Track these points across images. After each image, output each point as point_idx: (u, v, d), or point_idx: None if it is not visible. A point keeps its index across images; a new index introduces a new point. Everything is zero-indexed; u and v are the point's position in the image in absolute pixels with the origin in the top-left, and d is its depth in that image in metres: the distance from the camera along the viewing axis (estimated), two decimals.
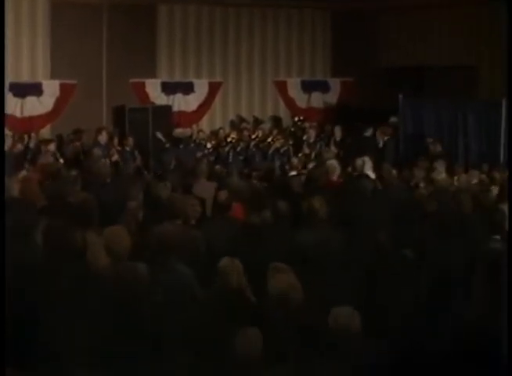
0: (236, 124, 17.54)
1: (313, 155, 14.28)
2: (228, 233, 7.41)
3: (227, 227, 7.64)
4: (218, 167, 13.09)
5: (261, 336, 4.83)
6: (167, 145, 15.17)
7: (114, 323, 4.94)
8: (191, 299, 5.81)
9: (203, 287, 6.04)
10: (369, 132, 15.37)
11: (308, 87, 18.62)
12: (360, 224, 7.67)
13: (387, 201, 9.21)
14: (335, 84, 18.94)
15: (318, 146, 15.48)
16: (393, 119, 16.04)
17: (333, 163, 11.64)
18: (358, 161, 12.13)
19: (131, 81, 16.75)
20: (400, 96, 15.66)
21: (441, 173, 10.19)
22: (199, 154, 14.78)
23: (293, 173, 11.30)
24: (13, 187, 8.64)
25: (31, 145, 14.53)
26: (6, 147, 13.03)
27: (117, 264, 5.77)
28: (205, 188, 9.68)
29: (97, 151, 13.32)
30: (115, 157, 13.79)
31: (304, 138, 16.24)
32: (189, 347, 4.82)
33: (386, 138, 15.18)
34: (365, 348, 4.92)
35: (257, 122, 17.63)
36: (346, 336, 4.90)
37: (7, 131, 14.23)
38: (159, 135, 15.55)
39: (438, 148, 14.00)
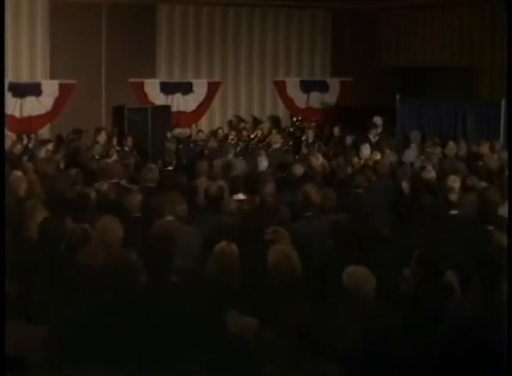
0: (234, 125, 17.53)
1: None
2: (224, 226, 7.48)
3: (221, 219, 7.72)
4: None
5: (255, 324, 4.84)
6: (169, 145, 15.15)
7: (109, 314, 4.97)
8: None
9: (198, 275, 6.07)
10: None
11: (307, 87, 18.60)
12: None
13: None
14: (334, 84, 18.92)
15: (316, 146, 15.45)
16: (376, 119, 16.01)
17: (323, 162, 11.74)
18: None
19: (130, 81, 16.75)
20: (397, 96, 15.64)
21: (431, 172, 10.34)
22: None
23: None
24: (20, 186, 8.76)
25: (30, 145, 14.51)
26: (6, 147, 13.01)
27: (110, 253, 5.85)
28: None
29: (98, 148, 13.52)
30: (114, 157, 13.76)
31: (303, 138, 16.23)
32: (185, 337, 4.81)
33: (376, 138, 15.07)
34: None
35: (257, 122, 17.61)
36: (359, 295, 4.96)
37: (7, 132, 14.22)
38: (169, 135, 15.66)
39: (437, 141, 13.97)
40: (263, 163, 11.69)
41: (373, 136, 15.02)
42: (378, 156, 12.01)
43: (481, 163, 11.39)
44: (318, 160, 11.62)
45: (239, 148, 15.59)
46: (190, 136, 16.28)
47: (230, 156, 12.49)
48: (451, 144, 12.89)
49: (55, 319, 4.98)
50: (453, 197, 9.25)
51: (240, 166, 11.46)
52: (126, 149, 14.57)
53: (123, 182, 9.92)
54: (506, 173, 9.71)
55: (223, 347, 4.45)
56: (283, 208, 8.00)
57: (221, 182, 9.37)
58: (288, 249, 5.79)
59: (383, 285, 5.41)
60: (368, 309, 5.14)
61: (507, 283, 4.83)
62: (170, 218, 7.46)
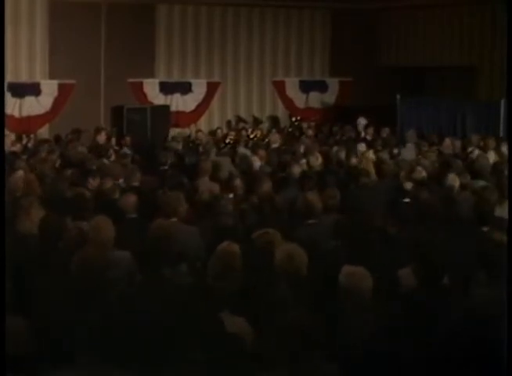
0: (233, 125, 17.52)
1: None
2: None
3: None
4: None
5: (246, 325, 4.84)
6: (173, 144, 15.12)
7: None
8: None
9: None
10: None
11: (306, 87, 18.61)
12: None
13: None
14: (333, 84, 18.92)
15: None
16: (361, 120, 16.00)
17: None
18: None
19: (130, 80, 16.74)
20: (398, 96, 15.63)
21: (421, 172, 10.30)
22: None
23: None
24: (18, 186, 8.79)
25: (30, 145, 14.49)
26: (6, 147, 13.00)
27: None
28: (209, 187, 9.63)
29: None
30: (113, 158, 13.72)
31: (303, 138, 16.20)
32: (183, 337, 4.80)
33: (370, 138, 15.05)
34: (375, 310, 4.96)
35: (257, 122, 17.60)
36: (357, 295, 4.95)
37: (6, 132, 14.21)
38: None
39: (434, 139, 13.98)
40: (256, 162, 11.68)
41: (370, 136, 15.04)
42: (371, 154, 12.00)
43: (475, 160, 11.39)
44: (317, 160, 11.61)
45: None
46: (189, 136, 16.27)
47: (212, 156, 12.48)
48: (447, 141, 12.90)
49: (52, 317, 4.96)
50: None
51: (228, 166, 11.44)
52: (125, 149, 14.53)
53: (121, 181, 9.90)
54: (506, 172, 9.68)
55: (221, 347, 4.44)
56: (282, 208, 7.97)
57: (237, 181, 9.33)
58: (293, 248, 5.75)
59: (382, 285, 5.39)
60: (367, 308, 5.11)
61: (507, 283, 4.80)
62: (173, 219, 7.43)
